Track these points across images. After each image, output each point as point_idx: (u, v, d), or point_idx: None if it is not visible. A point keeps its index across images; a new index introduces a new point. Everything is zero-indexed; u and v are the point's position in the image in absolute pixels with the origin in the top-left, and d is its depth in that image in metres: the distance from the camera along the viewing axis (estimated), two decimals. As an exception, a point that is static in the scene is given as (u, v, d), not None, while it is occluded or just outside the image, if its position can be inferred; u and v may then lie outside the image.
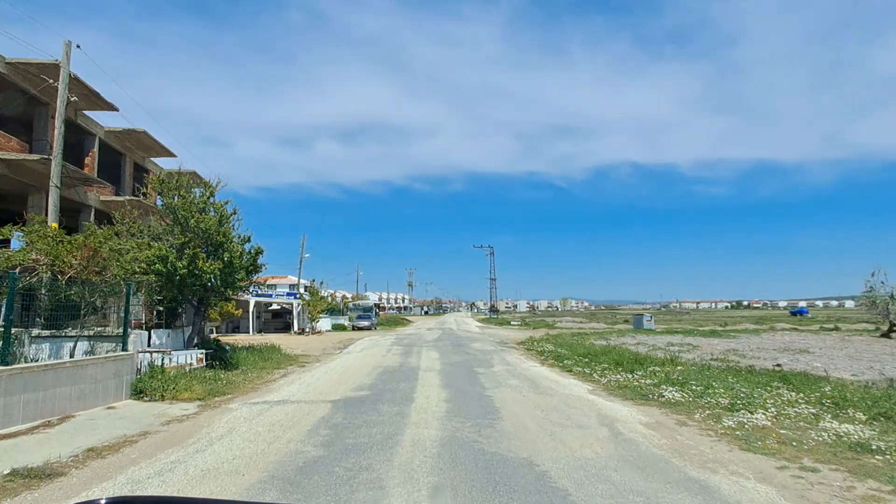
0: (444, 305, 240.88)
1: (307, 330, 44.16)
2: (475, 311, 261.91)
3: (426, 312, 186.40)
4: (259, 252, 19.75)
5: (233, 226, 17.66)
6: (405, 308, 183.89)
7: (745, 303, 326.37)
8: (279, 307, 46.28)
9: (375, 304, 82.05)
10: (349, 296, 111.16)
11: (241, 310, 41.31)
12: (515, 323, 70.37)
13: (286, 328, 45.17)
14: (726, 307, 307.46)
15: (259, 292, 40.27)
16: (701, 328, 49.47)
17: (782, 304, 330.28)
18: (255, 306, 43.58)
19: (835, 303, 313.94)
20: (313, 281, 45.74)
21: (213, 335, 42.33)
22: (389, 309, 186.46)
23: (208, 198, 16.79)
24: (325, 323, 52.26)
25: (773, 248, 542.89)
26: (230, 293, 17.14)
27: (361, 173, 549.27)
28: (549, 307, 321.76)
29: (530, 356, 22.45)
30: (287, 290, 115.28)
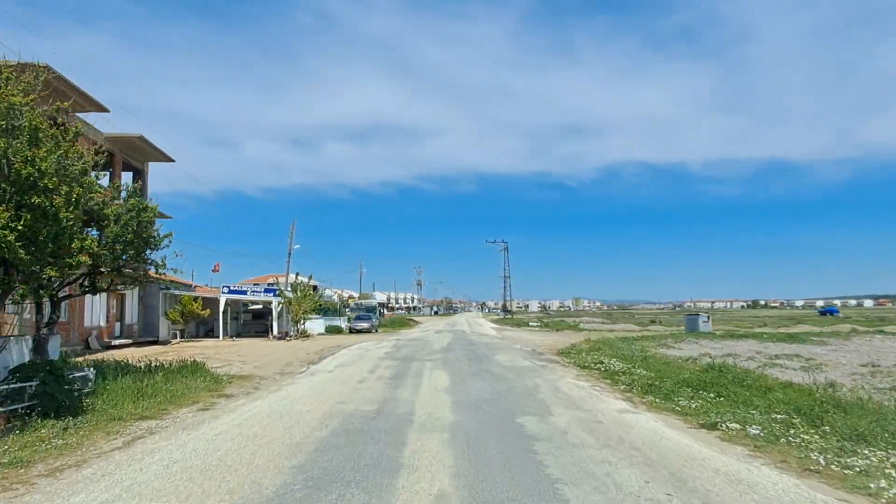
0: (454, 305, 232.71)
1: (291, 334, 36.19)
2: (486, 311, 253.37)
3: (436, 312, 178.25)
4: (153, 213, 11.71)
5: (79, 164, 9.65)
6: (414, 308, 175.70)
7: (762, 302, 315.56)
8: (262, 307, 38.28)
9: (380, 304, 74.04)
10: (356, 295, 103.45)
11: (208, 310, 33.38)
12: (534, 324, 62.05)
13: (267, 331, 37.19)
14: (742, 307, 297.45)
15: (232, 288, 32.46)
16: (762, 330, 41.00)
17: (799, 303, 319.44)
18: (227, 305, 35.71)
19: (853, 302, 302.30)
20: (297, 275, 37.60)
21: (176, 341, 34.42)
22: (398, 309, 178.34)
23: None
24: (317, 325, 44.29)
25: (787, 247, 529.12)
26: (52, 273, 8.99)
27: (370, 174, 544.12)
28: (560, 307, 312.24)
29: (593, 380, 14.08)
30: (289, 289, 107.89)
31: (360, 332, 45.33)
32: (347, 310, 69.41)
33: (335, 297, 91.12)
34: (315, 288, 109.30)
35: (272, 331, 35.47)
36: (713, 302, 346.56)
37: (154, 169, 28.32)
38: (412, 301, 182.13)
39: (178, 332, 32.67)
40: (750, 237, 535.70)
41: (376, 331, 47.90)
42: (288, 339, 33.59)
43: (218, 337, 32.59)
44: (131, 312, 29.55)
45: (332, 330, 45.04)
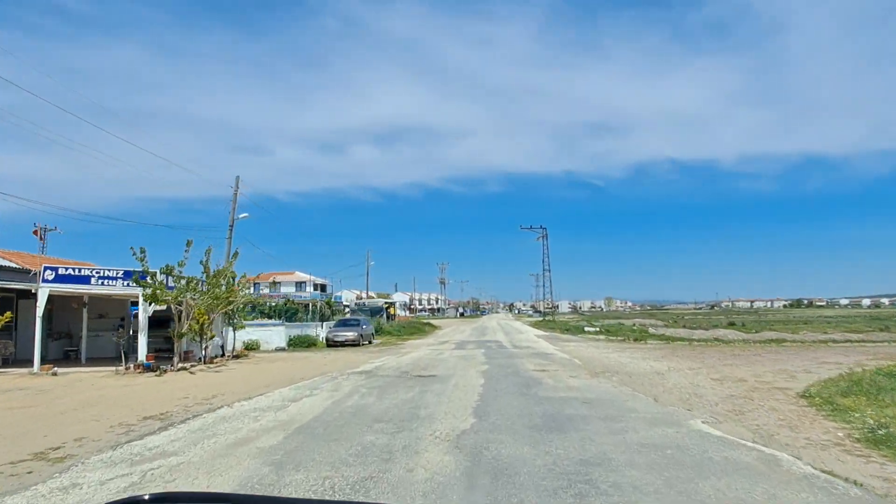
0: (481, 307, 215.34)
1: (199, 356, 19.85)
2: (515, 312, 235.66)
3: (461, 314, 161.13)
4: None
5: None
6: (438, 310, 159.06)
7: (806, 301, 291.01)
8: (166, 309, 21.59)
9: (388, 304, 57.75)
10: (373, 295, 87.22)
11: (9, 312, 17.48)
12: (590, 329, 45.00)
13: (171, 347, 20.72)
14: (784, 305, 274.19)
15: (62, 272, 16.46)
16: None
17: (843, 301, 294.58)
18: (82, 304, 19.73)
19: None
20: (189, 246, 20.46)
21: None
22: (420, 310, 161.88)
23: None
24: (273, 336, 28.17)
25: (828, 244, 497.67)
26: None
27: (397, 176, 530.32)
28: (592, 307, 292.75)
29: None
30: (294, 289, 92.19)
31: (342, 345, 29.15)
32: (347, 312, 53.30)
33: (342, 299, 74.79)
34: (324, 288, 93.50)
35: (128, 357, 18.51)
36: (752, 301, 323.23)
37: None
38: (436, 302, 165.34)
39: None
40: (788, 234, 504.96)
41: (370, 342, 31.66)
42: (171, 369, 17.35)
43: (32, 364, 16.18)
44: None
45: (300, 343, 28.86)
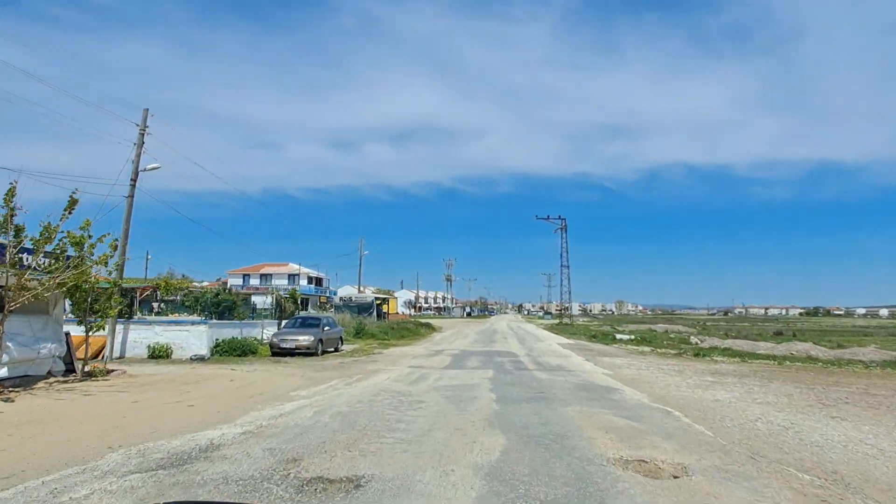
0: (489, 307, 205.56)
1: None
2: (525, 313, 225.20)
3: (469, 314, 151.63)
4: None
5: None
6: (445, 309, 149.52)
7: (822, 309, 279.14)
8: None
9: (381, 300, 48.55)
10: (369, 290, 77.78)
11: None
12: (623, 336, 35.69)
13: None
14: (800, 313, 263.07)
15: None
16: None
17: (860, 310, 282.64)
18: None
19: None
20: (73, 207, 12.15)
21: None
22: (426, 309, 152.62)
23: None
24: (186, 340, 19.31)
25: (841, 252, 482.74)
26: None
27: (410, 175, 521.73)
28: (602, 310, 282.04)
29: None
30: (286, 281, 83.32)
31: (290, 354, 20.10)
32: (331, 308, 44.38)
33: (337, 297, 65.87)
34: (320, 282, 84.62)
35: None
36: (766, 308, 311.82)
37: None
38: (442, 301, 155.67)
39: None
40: (802, 241, 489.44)
41: (336, 349, 22.61)
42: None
43: None
44: None
45: (231, 351, 19.77)
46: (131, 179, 19.44)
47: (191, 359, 18.98)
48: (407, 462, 5.94)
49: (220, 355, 19.57)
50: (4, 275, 11.50)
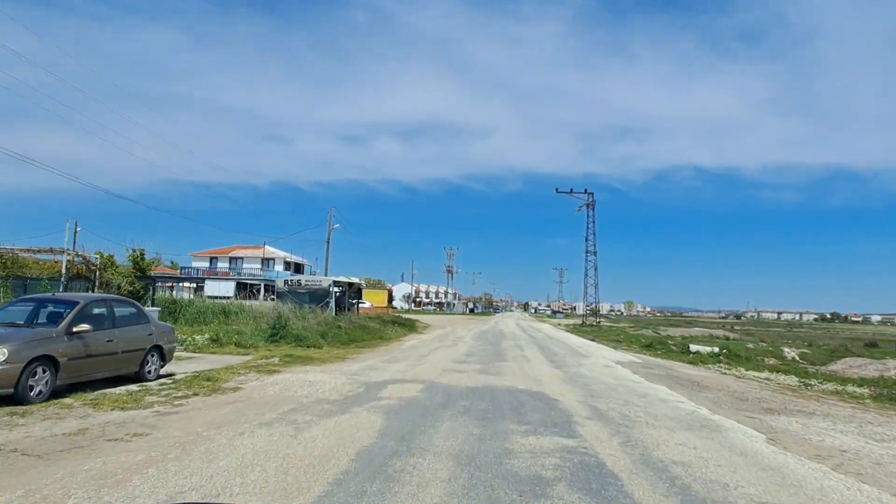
0: (494, 304, 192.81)
1: None
2: (532, 311, 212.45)
3: (472, 311, 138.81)
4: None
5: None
6: (447, 304, 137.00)
7: (840, 316, 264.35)
8: None
9: (350, 285, 36.16)
10: (355, 280, 65.29)
11: None
12: (701, 348, 23.32)
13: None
14: (815, 319, 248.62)
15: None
16: None
17: (876, 317, 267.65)
18: None
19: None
20: None
21: None
22: (427, 304, 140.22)
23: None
24: None
25: (854, 257, 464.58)
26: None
27: (419, 172, 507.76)
28: (611, 311, 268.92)
29: None
30: (258, 265, 71.49)
31: None
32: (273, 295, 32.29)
33: (280, 280, 52.67)
34: (300, 268, 72.50)
35: None
36: (779, 312, 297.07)
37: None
38: (444, 295, 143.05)
39: None
40: (813, 245, 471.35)
41: (139, 373, 10.65)
42: None
43: None
44: None
45: None
46: None
47: None
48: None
49: None
50: None
